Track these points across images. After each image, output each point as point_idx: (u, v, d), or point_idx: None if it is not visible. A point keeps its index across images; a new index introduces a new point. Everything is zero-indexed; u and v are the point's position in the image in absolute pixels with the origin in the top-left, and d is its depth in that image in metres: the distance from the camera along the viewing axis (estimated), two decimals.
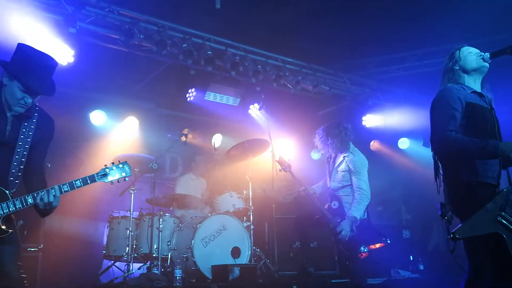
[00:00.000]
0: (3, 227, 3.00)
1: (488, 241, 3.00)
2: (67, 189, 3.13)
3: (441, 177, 3.28)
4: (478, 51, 3.40)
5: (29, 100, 3.08)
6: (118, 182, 3.34)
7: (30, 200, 3.06)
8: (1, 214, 3.00)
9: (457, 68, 3.38)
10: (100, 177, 3.26)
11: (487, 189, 3.11)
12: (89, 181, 3.20)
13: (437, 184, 3.27)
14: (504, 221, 2.97)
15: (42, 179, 3.26)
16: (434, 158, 3.33)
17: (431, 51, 7.67)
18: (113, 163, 3.32)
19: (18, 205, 3.03)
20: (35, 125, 3.19)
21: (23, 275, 3.08)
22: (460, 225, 3.02)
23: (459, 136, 3.09)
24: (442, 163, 3.29)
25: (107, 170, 3.29)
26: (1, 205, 3.00)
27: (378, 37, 7.19)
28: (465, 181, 3.14)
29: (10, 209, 3.02)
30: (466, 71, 3.37)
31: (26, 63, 3.06)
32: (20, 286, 3.05)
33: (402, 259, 7.57)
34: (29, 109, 3.17)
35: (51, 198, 3.05)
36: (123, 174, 3.33)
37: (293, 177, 5.59)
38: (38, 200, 3.04)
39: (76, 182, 3.16)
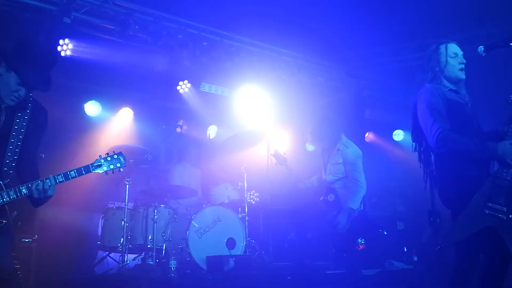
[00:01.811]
0: None
1: (479, 233, 2.98)
2: (61, 180, 3.12)
3: (433, 173, 3.33)
4: (461, 54, 3.43)
5: (23, 93, 3.07)
6: (113, 173, 3.33)
7: (24, 190, 3.05)
8: None
9: (437, 69, 3.44)
10: (95, 167, 3.25)
11: (476, 180, 3.10)
12: (84, 172, 3.20)
13: (426, 181, 3.37)
14: (492, 212, 2.93)
15: (34, 170, 3.25)
16: (424, 155, 3.41)
17: (426, 42, 7.61)
18: (107, 154, 3.31)
19: (12, 195, 3.02)
20: (28, 115, 3.18)
21: (17, 266, 3.08)
22: (445, 232, 3.01)
23: (459, 136, 3.12)
24: (435, 158, 3.34)
25: (102, 160, 3.29)
26: None
27: (373, 28, 7.17)
28: (454, 175, 3.17)
29: (4, 199, 3.01)
30: (445, 76, 3.44)
31: (26, 53, 3.03)
32: (14, 277, 3.06)
33: (396, 250, 7.62)
34: (24, 99, 3.15)
35: (46, 186, 3.04)
36: (118, 165, 3.33)
37: (289, 171, 5.58)
38: (33, 189, 3.03)
39: (71, 172, 3.15)
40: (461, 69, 3.40)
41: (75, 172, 3.16)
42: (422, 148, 3.45)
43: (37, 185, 3.04)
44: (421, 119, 3.32)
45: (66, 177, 3.14)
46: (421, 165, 3.44)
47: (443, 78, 3.43)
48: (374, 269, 6.47)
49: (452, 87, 3.41)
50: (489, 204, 2.95)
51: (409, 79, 8.48)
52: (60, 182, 3.12)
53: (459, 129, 3.18)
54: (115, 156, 3.32)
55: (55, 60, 3.19)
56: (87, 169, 3.22)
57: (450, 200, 3.20)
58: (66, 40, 6.16)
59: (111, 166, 3.30)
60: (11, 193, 3.03)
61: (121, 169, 3.34)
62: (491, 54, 3.34)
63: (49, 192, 3.07)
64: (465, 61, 3.41)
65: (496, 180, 3.00)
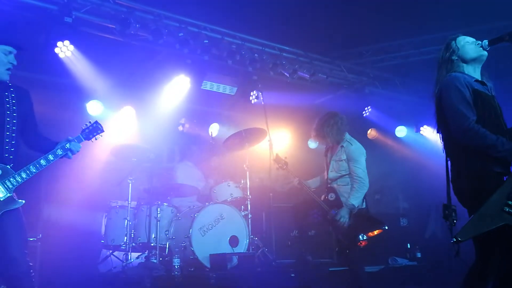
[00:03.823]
0: (16, 198, 3.17)
1: (496, 231, 2.86)
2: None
3: (450, 167, 3.19)
4: (474, 40, 3.36)
5: (14, 60, 3.30)
6: (96, 139, 3.69)
7: (52, 156, 3.37)
8: (13, 186, 3.15)
9: (455, 58, 3.33)
10: (85, 136, 3.62)
11: (497, 178, 3.00)
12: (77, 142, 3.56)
13: (448, 176, 3.17)
14: (511, 211, 2.81)
15: (46, 139, 3.53)
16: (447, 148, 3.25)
17: (428, 38, 7.64)
18: (86, 124, 3.68)
19: (24, 176, 3.21)
20: (16, 99, 3.33)
21: (30, 264, 3.17)
22: (463, 226, 2.86)
23: (488, 132, 3.00)
24: (452, 152, 3.21)
25: (86, 131, 3.65)
26: (9, 180, 3.14)
27: (375, 24, 7.15)
28: (476, 170, 3.05)
29: (18, 181, 3.18)
30: (465, 61, 3.32)
31: None
32: (28, 276, 3.11)
33: (400, 247, 7.62)
34: (4, 85, 3.31)
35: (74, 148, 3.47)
36: (99, 131, 3.71)
37: (290, 174, 5.58)
38: (53, 157, 3.35)
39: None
40: (479, 47, 3.28)
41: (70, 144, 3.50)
42: (446, 142, 3.29)
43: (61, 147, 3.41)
44: (447, 109, 3.17)
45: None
46: (446, 156, 3.26)
47: (464, 65, 3.31)
48: (378, 266, 6.48)
49: (478, 77, 3.29)
50: (510, 202, 2.84)
51: (411, 75, 8.48)
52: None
53: (484, 122, 3.06)
54: (94, 125, 3.69)
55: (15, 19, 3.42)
56: (79, 139, 3.58)
57: (469, 196, 3.08)
58: (66, 42, 6.15)
59: (95, 133, 3.69)
60: (23, 174, 3.21)
61: (101, 135, 3.72)
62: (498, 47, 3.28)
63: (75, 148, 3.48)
64: (480, 41, 3.30)
65: None
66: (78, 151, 3.46)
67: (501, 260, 2.97)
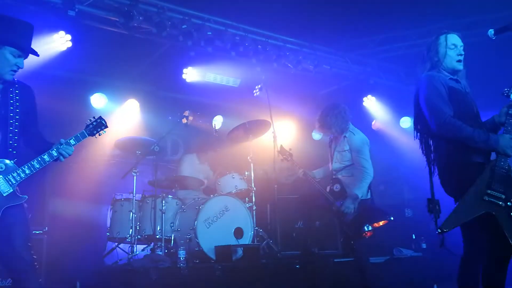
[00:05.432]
0: (19, 194, 3.19)
1: (480, 219, 3.03)
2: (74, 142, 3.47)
3: (434, 161, 3.39)
4: (461, 45, 3.47)
5: (22, 63, 3.28)
6: (100, 135, 3.66)
7: (48, 157, 3.30)
8: (16, 182, 3.16)
9: (436, 59, 3.50)
10: (89, 132, 3.59)
11: (478, 167, 3.15)
12: (81, 138, 3.54)
13: (430, 169, 3.39)
14: (492, 199, 2.98)
15: (42, 139, 3.47)
16: (426, 143, 3.43)
17: (433, 28, 7.54)
18: (90, 119, 3.63)
19: (28, 171, 3.21)
20: (19, 96, 3.35)
21: (34, 257, 3.19)
22: (447, 217, 3.04)
23: (464, 125, 3.16)
24: (435, 146, 3.39)
25: (91, 126, 3.61)
26: (12, 175, 3.15)
27: (379, 14, 7.10)
28: (457, 162, 3.21)
29: (22, 176, 3.19)
30: (442, 67, 3.48)
31: (11, 26, 3.20)
32: (32, 268, 3.13)
33: (405, 238, 7.61)
34: (9, 83, 3.31)
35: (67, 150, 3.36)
36: (103, 127, 3.68)
37: (295, 166, 5.58)
38: (56, 153, 3.30)
39: (70, 140, 3.46)
40: (459, 61, 3.46)
41: (74, 140, 3.46)
42: (424, 137, 3.48)
43: (56, 150, 3.32)
44: (425, 106, 3.35)
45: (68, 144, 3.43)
46: (423, 153, 3.49)
47: (441, 68, 3.48)
48: (383, 257, 6.48)
49: (452, 76, 3.46)
50: (489, 191, 3.01)
51: (415, 66, 8.41)
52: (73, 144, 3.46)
53: (460, 117, 3.23)
54: (98, 120, 3.66)
55: (32, 24, 3.38)
56: (83, 134, 3.55)
57: (453, 186, 3.25)
58: (61, 33, 6.15)
59: (98, 129, 3.66)
60: (26, 169, 3.20)
61: (105, 131, 3.68)
62: (500, 38, 3.30)
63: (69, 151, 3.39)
64: (463, 53, 3.47)
65: (495, 168, 3.07)
66: (69, 154, 3.38)
67: (488, 247, 3.11)
